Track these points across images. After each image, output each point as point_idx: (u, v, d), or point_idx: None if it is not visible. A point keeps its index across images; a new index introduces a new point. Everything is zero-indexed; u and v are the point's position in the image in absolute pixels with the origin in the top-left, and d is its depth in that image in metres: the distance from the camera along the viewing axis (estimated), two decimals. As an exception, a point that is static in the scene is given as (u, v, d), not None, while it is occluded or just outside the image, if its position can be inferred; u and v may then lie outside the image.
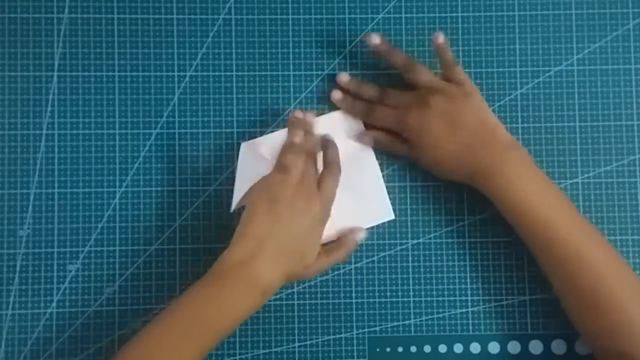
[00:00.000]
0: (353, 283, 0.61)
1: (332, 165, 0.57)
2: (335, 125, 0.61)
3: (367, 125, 0.61)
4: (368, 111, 0.60)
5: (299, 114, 0.56)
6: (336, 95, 0.61)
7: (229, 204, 0.61)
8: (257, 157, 0.59)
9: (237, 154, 0.61)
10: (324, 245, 0.57)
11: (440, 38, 0.57)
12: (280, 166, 0.54)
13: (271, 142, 0.60)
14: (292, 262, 0.53)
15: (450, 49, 0.57)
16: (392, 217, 0.60)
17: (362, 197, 0.60)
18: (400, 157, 0.60)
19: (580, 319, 0.54)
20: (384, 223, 0.61)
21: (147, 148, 0.61)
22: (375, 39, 0.58)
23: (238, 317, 0.52)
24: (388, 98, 0.59)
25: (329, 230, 0.58)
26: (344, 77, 0.61)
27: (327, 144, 0.58)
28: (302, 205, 0.53)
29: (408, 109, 0.57)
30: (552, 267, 0.54)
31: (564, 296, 0.55)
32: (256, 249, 0.52)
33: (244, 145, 0.60)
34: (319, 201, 0.54)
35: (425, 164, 0.58)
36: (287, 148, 0.54)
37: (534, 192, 0.54)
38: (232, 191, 0.61)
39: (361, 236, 0.59)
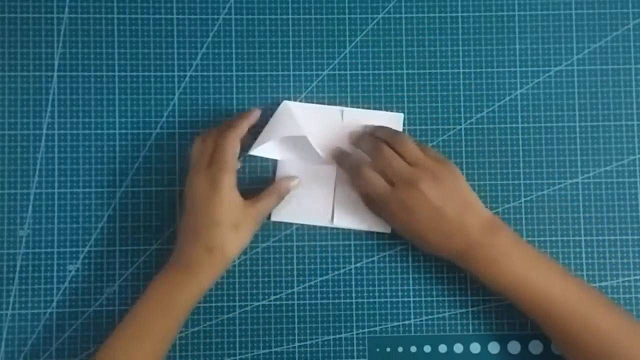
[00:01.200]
0: (353, 283, 0.61)
1: (274, 192, 0.58)
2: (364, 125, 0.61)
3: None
4: (356, 169, 0.57)
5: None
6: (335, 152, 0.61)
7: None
8: (291, 117, 0.60)
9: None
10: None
11: (381, 132, 0.58)
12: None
13: (309, 112, 0.61)
14: (209, 232, 0.54)
15: (407, 137, 0.57)
16: (389, 231, 0.60)
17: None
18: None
19: None
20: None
21: (147, 148, 0.61)
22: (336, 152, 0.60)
23: (184, 306, 0.55)
24: (381, 156, 0.56)
25: (326, 218, 0.60)
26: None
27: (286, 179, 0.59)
28: (208, 175, 0.54)
29: (397, 186, 0.55)
30: (560, 339, 0.54)
31: (565, 355, 0.54)
32: (178, 234, 0.56)
33: (284, 103, 0.60)
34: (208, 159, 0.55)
35: (407, 239, 0.58)
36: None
37: (524, 268, 0.53)
38: (232, 191, 0.61)
39: (294, 184, 0.59)
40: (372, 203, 0.59)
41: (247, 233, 0.56)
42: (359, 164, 0.57)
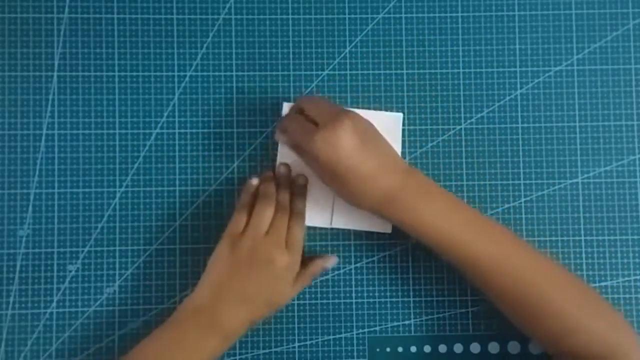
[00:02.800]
0: (353, 283, 0.61)
1: (297, 215, 0.58)
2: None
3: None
4: (279, 128, 0.57)
5: (270, 172, 0.60)
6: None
7: (229, 204, 0.61)
8: None
9: (237, 154, 0.61)
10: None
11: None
12: (241, 207, 0.57)
13: None
14: (256, 308, 0.55)
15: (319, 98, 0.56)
16: (389, 231, 0.60)
17: None
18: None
19: (522, 326, 0.53)
20: (384, 223, 0.61)
21: (147, 148, 0.61)
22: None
23: (206, 359, 0.53)
24: (306, 109, 0.55)
25: (326, 219, 0.60)
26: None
27: (298, 194, 0.59)
28: (264, 255, 0.55)
29: (318, 130, 0.53)
30: (480, 283, 0.54)
31: (498, 307, 0.54)
32: (215, 295, 0.54)
33: (285, 105, 0.60)
34: (285, 252, 0.55)
35: (334, 188, 0.56)
36: (261, 197, 0.57)
37: (442, 213, 0.53)
38: (232, 191, 0.61)
39: (331, 264, 0.59)
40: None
41: (277, 311, 0.58)
42: (282, 127, 0.57)
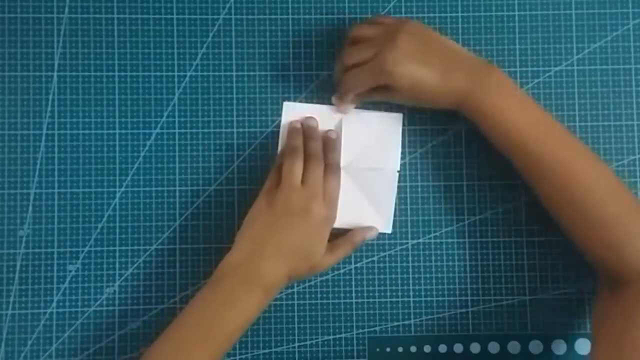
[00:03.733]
0: (353, 283, 0.61)
1: (332, 166, 0.57)
2: (371, 127, 0.61)
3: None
4: (339, 58, 0.58)
5: (297, 123, 0.60)
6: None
7: (229, 204, 0.61)
8: (299, 118, 0.61)
9: (237, 154, 0.61)
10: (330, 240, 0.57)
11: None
12: (277, 168, 0.57)
13: (313, 112, 0.61)
14: (294, 262, 0.54)
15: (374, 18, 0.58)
16: (390, 231, 0.60)
17: (370, 201, 0.60)
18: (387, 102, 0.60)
19: (571, 233, 0.54)
20: (384, 223, 0.61)
21: (147, 148, 0.61)
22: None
23: (246, 317, 0.53)
24: (363, 34, 0.57)
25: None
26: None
27: (330, 147, 0.59)
28: (300, 207, 0.54)
29: (379, 56, 0.54)
30: (541, 180, 0.54)
31: (553, 209, 0.55)
32: (255, 249, 0.54)
33: (286, 105, 0.60)
34: (321, 203, 0.55)
35: (409, 100, 0.57)
36: (286, 151, 0.57)
37: (518, 110, 0.54)
38: (232, 191, 0.61)
39: (371, 235, 0.59)
40: (364, 95, 0.59)
41: (314, 274, 0.57)
42: (343, 77, 0.58)
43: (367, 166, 0.60)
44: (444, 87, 0.54)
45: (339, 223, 0.60)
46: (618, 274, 0.51)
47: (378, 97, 0.59)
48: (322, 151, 0.58)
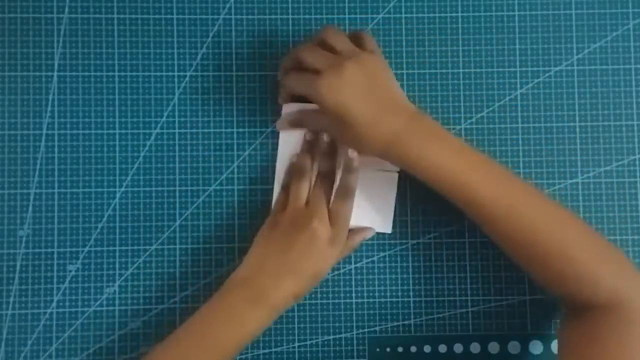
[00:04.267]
0: (353, 283, 0.61)
1: (346, 189, 0.57)
2: None
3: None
4: (294, 80, 0.56)
5: (311, 136, 0.59)
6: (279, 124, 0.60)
7: (229, 204, 0.61)
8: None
9: (237, 154, 0.61)
10: None
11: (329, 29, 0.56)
12: (282, 189, 0.59)
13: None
14: (301, 281, 0.54)
15: (337, 29, 0.56)
16: (389, 231, 0.60)
17: (370, 201, 0.60)
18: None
19: (528, 269, 0.53)
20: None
21: (147, 148, 0.61)
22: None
23: (247, 333, 0.53)
24: (311, 55, 0.54)
25: None
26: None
27: (347, 168, 0.57)
28: (304, 225, 0.55)
29: (321, 74, 0.52)
30: (486, 226, 0.53)
31: (504, 251, 0.54)
32: (260, 266, 0.54)
33: (285, 105, 0.60)
34: (324, 223, 0.55)
35: (339, 136, 0.56)
36: (295, 172, 0.58)
37: (447, 156, 0.52)
38: (232, 191, 0.61)
39: (368, 235, 0.59)
40: (306, 120, 0.58)
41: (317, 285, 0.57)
42: (285, 75, 0.57)
43: (368, 166, 0.60)
44: (372, 132, 0.53)
45: None
46: (585, 304, 0.50)
47: (313, 125, 0.58)
48: (333, 169, 0.58)
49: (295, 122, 0.59)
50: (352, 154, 0.57)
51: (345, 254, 0.58)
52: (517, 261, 0.53)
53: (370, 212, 0.60)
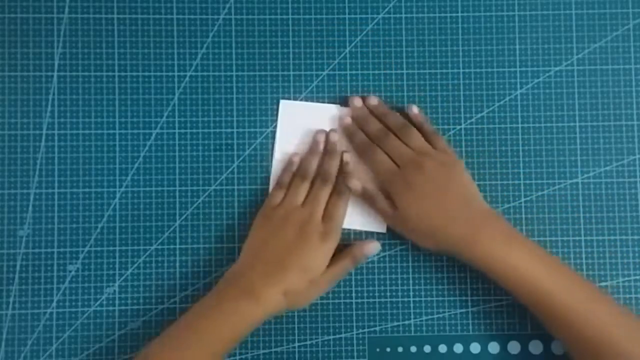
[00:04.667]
0: (353, 283, 0.61)
1: (342, 191, 0.59)
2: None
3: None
4: (366, 148, 0.59)
5: (320, 137, 0.60)
6: (346, 120, 0.60)
7: (229, 204, 0.61)
8: (296, 118, 0.61)
9: (237, 154, 0.61)
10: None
11: (414, 109, 0.59)
12: (279, 185, 0.59)
13: (310, 111, 0.61)
14: (289, 277, 0.55)
15: (427, 118, 0.59)
16: (384, 231, 0.60)
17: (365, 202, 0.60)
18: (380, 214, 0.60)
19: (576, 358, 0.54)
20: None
21: (147, 148, 0.61)
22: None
23: (239, 329, 0.54)
24: (388, 143, 0.58)
25: None
26: (357, 102, 0.60)
27: (343, 169, 0.59)
28: (296, 224, 0.56)
29: (403, 167, 0.57)
30: (553, 327, 0.54)
31: (574, 354, 0.54)
32: (250, 260, 0.56)
33: (283, 103, 0.61)
34: (317, 221, 0.57)
35: (408, 231, 0.58)
36: (299, 171, 0.59)
37: (527, 260, 0.53)
38: (232, 191, 0.61)
39: (370, 249, 0.59)
40: (372, 197, 0.59)
41: (318, 292, 0.57)
42: (369, 143, 0.59)
43: (362, 166, 0.60)
44: (444, 232, 0.55)
45: None
46: None
47: (378, 206, 0.59)
48: (335, 171, 0.59)
49: (365, 194, 0.59)
50: (347, 157, 0.59)
51: (349, 267, 0.58)
52: (567, 348, 0.54)
53: (365, 212, 0.60)
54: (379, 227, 0.60)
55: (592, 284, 0.55)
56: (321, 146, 0.60)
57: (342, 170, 0.59)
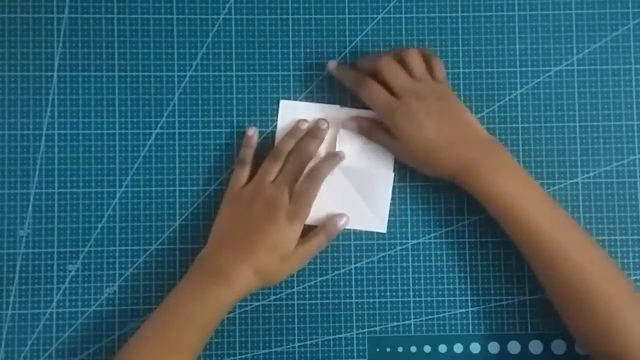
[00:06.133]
0: (353, 283, 0.61)
1: (314, 174, 0.58)
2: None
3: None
4: (360, 81, 0.58)
5: (303, 124, 0.60)
6: (331, 64, 0.60)
7: (229, 204, 0.61)
8: (296, 118, 0.61)
9: (237, 154, 0.61)
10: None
11: (331, 64, 0.60)
12: (241, 163, 0.59)
13: (310, 111, 0.62)
14: (259, 255, 0.55)
15: (414, 50, 0.58)
16: (384, 231, 0.61)
17: (366, 201, 0.60)
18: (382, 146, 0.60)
19: (571, 319, 0.54)
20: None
21: (147, 148, 0.61)
22: (331, 64, 0.60)
23: (214, 309, 0.54)
24: (387, 72, 0.57)
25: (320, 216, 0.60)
26: (332, 65, 0.60)
27: (328, 158, 0.60)
28: (265, 198, 0.56)
29: (402, 97, 0.56)
30: (539, 266, 0.54)
31: (554, 296, 0.54)
32: (218, 243, 0.56)
33: (282, 103, 0.61)
34: (285, 199, 0.56)
35: (409, 159, 0.58)
36: (271, 152, 0.59)
37: (513, 189, 0.54)
38: (232, 191, 0.61)
39: (342, 223, 0.59)
40: (371, 132, 0.59)
41: (291, 268, 0.57)
42: (362, 76, 0.58)
43: (363, 166, 0.60)
44: (445, 158, 0.55)
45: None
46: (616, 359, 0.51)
47: (378, 139, 0.59)
48: (312, 151, 0.59)
49: (362, 130, 0.60)
50: (340, 152, 0.60)
51: (322, 243, 0.58)
52: (563, 310, 0.54)
53: (365, 212, 0.60)
54: (379, 226, 0.60)
55: (585, 233, 0.55)
56: (300, 133, 0.60)
57: (325, 157, 0.59)
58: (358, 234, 0.61)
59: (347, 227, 0.60)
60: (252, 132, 0.60)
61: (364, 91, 0.58)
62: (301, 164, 0.58)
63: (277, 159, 0.58)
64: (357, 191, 0.60)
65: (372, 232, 0.61)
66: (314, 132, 0.60)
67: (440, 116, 0.55)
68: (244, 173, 0.59)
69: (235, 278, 0.54)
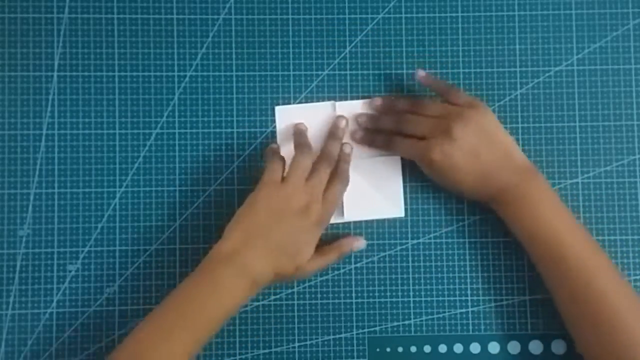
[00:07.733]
0: (353, 283, 0.61)
1: (341, 174, 0.58)
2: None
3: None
4: (388, 143, 0.59)
5: (302, 126, 0.61)
6: (357, 134, 0.61)
7: (229, 204, 0.61)
8: (293, 121, 0.61)
9: (237, 154, 0.61)
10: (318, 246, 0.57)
11: (420, 72, 0.59)
12: (276, 156, 0.58)
13: (306, 111, 0.62)
14: (282, 259, 0.54)
15: (436, 77, 0.59)
16: (402, 215, 0.60)
17: (379, 188, 0.61)
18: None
19: (580, 333, 0.54)
20: (384, 222, 0.61)
21: (147, 148, 0.61)
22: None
23: (229, 307, 0.52)
24: (408, 124, 0.58)
25: (338, 212, 0.60)
26: (373, 103, 0.61)
27: (342, 157, 0.59)
28: (300, 204, 0.54)
29: (432, 142, 0.56)
30: (562, 293, 0.54)
31: (569, 313, 0.54)
32: (247, 241, 0.53)
33: (278, 109, 0.61)
34: (320, 206, 0.55)
35: (447, 188, 0.59)
36: (296, 148, 0.58)
37: (557, 223, 0.54)
38: (232, 191, 0.61)
39: (359, 246, 0.59)
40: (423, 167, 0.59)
41: (298, 278, 0.57)
42: (389, 139, 0.59)
43: (370, 155, 0.60)
44: (482, 185, 0.56)
45: (351, 216, 0.60)
46: None
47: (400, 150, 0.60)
48: (336, 154, 0.59)
49: (377, 144, 0.60)
50: (347, 149, 0.59)
51: (333, 261, 0.58)
52: (572, 322, 0.54)
53: (380, 200, 0.60)
54: (396, 212, 0.61)
55: (607, 257, 0.55)
56: (342, 132, 0.61)
57: (342, 159, 0.59)
58: (358, 234, 0.61)
59: (367, 218, 0.60)
60: (275, 147, 0.60)
61: (396, 150, 0.59)
62: (330, 168, 0.58)
63: (308, 155, 0.57)
64: (368, 183, 0.60)
65: (372, 232, 0.61)
66: (334, 133, 0.60)
67: (474, 145, 0.55)
68: (279, 167, 0.57)
69: (260, 279, 0.53)
